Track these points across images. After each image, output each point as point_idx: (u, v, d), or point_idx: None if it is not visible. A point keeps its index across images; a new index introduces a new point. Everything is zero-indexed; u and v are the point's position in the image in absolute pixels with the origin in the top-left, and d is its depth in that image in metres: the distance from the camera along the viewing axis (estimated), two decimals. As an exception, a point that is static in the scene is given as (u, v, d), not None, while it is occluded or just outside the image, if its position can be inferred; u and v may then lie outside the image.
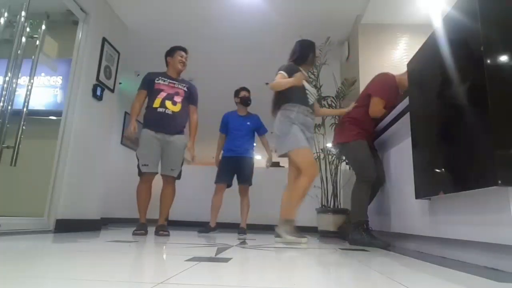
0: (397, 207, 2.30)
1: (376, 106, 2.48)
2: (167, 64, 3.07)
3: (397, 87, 2.53)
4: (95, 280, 0.91)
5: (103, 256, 1.45)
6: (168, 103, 2.87)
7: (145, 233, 2.71)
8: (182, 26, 4.05)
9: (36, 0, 2.36)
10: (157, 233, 2.78)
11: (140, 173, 2.81)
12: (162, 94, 2.88)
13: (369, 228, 2.43)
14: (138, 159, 2.81)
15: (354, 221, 2.46)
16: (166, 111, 2.85)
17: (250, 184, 3.55)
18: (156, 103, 2.84)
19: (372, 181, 2.48)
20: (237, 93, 3.72)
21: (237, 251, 1.77)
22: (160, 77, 2.95)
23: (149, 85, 2.92)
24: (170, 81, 2.97)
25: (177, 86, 2.97)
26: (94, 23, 3.20)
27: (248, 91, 3.71)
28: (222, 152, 3.67)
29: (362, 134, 2.57)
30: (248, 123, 3.65)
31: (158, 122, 2.83)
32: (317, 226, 3.69)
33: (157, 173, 2.88)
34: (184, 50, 3.08)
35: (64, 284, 0.84)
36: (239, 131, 3.59)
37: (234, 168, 3.52)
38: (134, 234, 2.66)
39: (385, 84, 2.54)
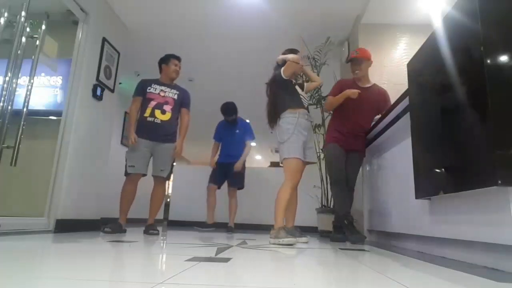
0: (397, 207, 2.30)
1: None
2: (160, 70, 3.16)
3: (348, 84, 2.87)
4: (95, 280, 0.91)
5: (103, 256, 1.45)
6: (157, 112, 2.98)
7: (124, 232, 2.75)
8: (182, 26, 4.05)
9: (36, 0, 2.36)
10: (147, 232, 2.89)
11: (126, 174, 2.89)
12: (152, 104, 2.99)
13: (352, 222, 2.61)
14: (126, 160, 2.91)
15: (335, 217, 2.76)
16: (155, 120, 2.97)
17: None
18: (147, 112, 2.97)
19: (338, 182, 2.73)
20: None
21: (237, 251, 1.77)
22: (152, 85, 3.05)
23: (143, 93, 3.03)
24: (162, 88, 3.07)
25: (167, 94, 3.07)
26: (94, 23, 3.19)
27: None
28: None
29: (336, 138, 2.82)
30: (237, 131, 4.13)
31: (148, 131, 2.94)
32: (317, 226, 3.69)
33: (143, 174, 2.97)
34: (178, 58, 3.20)
35: (64, 284, 0.84)
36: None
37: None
38: (107, 232, 2.69)
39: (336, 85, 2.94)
